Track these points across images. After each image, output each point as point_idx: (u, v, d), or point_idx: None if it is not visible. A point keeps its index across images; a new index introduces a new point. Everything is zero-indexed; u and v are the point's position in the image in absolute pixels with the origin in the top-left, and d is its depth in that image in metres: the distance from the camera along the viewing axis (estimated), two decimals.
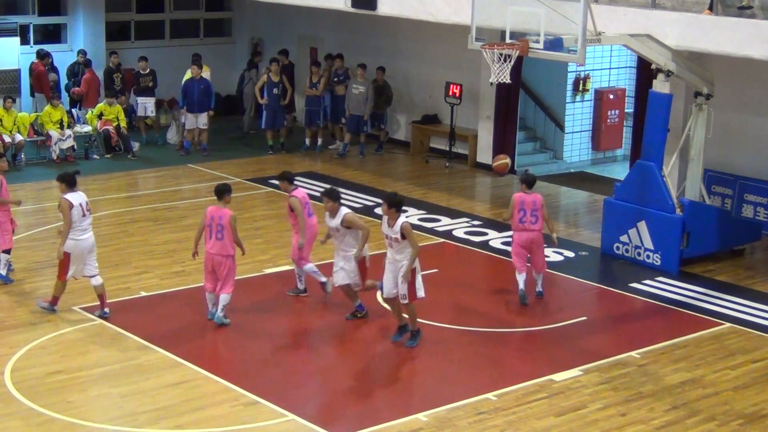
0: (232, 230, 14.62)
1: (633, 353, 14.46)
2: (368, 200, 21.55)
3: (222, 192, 14.95)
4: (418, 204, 21.38)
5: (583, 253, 18.82)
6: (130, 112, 26.56)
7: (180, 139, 25.84)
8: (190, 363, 13.72)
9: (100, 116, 24.75)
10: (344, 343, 14.92)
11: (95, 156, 24.59)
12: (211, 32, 30.47)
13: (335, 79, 26.02)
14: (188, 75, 25.22)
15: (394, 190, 22.10)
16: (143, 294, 16.25)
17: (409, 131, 26.29)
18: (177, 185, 22.83)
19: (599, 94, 25.26)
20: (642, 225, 17.96)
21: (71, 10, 27.81)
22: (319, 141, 26.10)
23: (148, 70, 26.18)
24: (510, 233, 18.90)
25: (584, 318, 15.94)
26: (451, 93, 24.40)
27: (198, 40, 29.78)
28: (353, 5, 21.82)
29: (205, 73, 25.62)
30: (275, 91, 25.34)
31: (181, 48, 28.17)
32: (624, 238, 18.25)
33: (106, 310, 15.15)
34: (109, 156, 24.63)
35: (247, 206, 20.96)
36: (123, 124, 24.93)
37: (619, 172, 23.85)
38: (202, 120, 25.12)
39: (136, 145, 25.53)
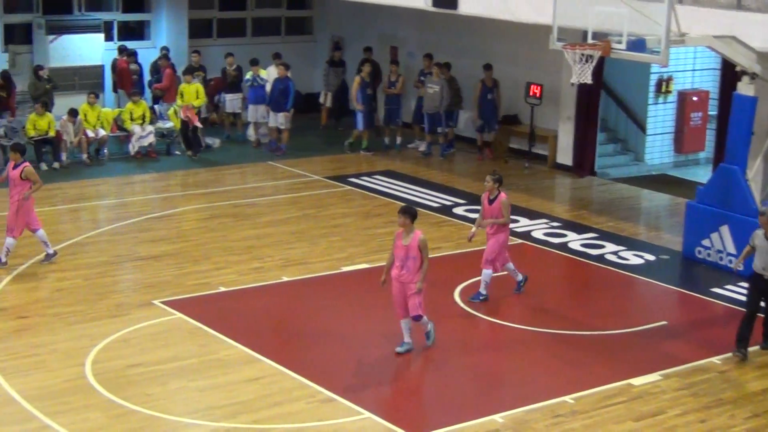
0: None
1: (714, 359, 14.26)
2: (446, 200, 21.51)
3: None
4: None
5: (664, 256, 18.61)
6: (213, 109, 26.84)
7: (256, 137, 25.97)
8: (267, 358, 13.79)
9: (181, 95, 24.73)
10: (422, 341, 14.90)
11: (177, 152, 24.79)
12: (292, 30, 30.62)
13: (421, 78, 25.89)
14: (249, 74, 25.47)
15: (471, 190, 22.22)
16: (222, 289, 16.37)
17: None
18: (257, 182, 22.97)
19: (682, 96, 24.96)
20: (725, 229, 17.72)
21: (155, 7, 28.14)
22: (398, 140, 26.07)
23: (234, 66, 26.31)
24: (591, 235, 18.93)
25: (664, 322, 15.75)
26: (531, 93, 24.25)
27: (279, 38, 29.95)
28: (434, 4, 21.78)
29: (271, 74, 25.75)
30: (368, 91, 25.33)
31: (262, 46, 28.34)
32: (706, 242, 18.02)
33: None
34: (189, 153, 24.75)
35: (325, 204, 21.05)
36: (202, 100, 24.69)
37: (702, 175, 23.52)
38: (279, 119, 25.16)
39: (216, 141, 25.73)
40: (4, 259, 16.88)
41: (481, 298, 16.00)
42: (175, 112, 24.79)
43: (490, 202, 15.85)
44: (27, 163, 16.98)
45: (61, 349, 13.91)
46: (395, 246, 13.87)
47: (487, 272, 15.95)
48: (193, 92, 24.56)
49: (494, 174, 16.01)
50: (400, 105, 26.11)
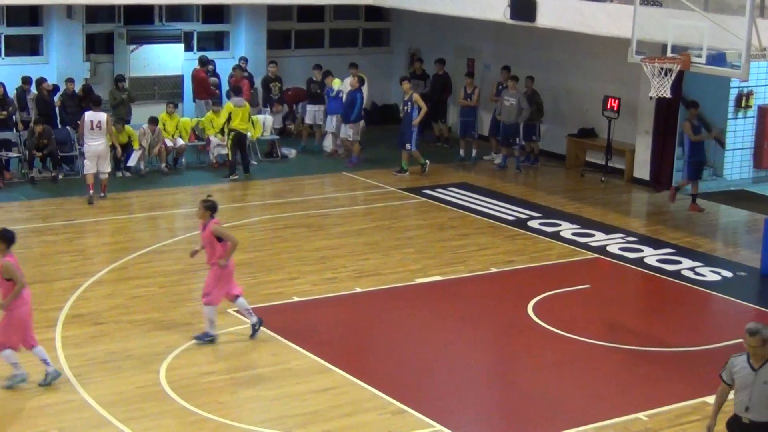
0: None
1: None
2: (520, 213, 21.40)
3: None
4: (571, 218, 21.14)
5: (742, 273, 18.35)
6: (284, 118, 26.96)
7: (334, 148, 26.05)
8: (339, 369, 13.81)
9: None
10: (494, 355, 14.84)
11: (253, 162, 24.93)
12: (369, 42, 30.72)
13: (499, 89, 25.69)
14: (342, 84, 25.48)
15: (546, 203, 22.10)
16: (296, 299, 16.44)
17: (565, 144, 26.04)
18: (332, 193, 23.06)
19: (763, 111, 24.63)
20: None
21: (234, 18, 28.38)
22: (474, 152, 26.00)
23: (320, 79, 26.34)
24: (667, 251, 18.71)
25: (741, 340, 15.48)
26: (608, 106, 24.07)
27: (356, 50, 30.05)
28: (512, 17, 21.73)
29: (343, 85, 25.60)
30: (406, 108, 24.24)
31: (339, 57, 28.45)
32: None
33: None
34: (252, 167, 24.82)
35: (399, 215, 21.05)
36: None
37: None
38: (347, 131, 25.14)
39: (292, 152, 25.86)
40: None
41: (207, 338, 14.51)
42: (253, 123, 24.99)
43: (204, 227, 14.43)
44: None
45: (135, 356, 14.06)
46: None
47: (208, 309, 14.43)
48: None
49: (205, 201, 14.41)
50: (476, 117, 26.05)
